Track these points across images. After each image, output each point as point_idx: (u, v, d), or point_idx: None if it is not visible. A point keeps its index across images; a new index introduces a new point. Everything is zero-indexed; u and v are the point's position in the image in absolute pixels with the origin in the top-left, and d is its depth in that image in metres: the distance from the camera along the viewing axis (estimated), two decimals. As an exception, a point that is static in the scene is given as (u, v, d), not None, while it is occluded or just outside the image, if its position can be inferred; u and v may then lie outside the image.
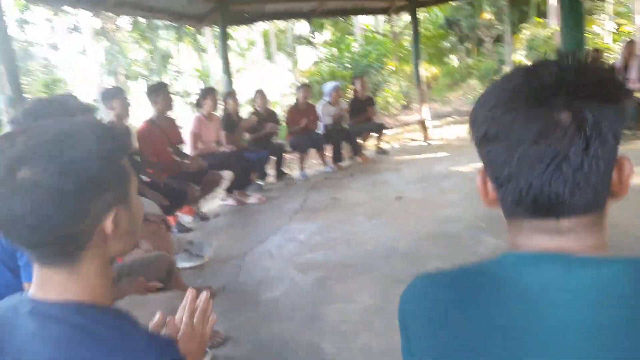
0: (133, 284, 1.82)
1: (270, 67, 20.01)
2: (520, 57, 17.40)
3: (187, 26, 6.99)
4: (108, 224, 0.75)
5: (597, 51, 6.66)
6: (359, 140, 6.58)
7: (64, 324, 0.72)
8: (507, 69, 16.75)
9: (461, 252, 3.12)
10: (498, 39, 19.99)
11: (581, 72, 0.56)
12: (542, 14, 17.63)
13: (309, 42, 18.53)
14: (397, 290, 0.72)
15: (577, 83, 0.55)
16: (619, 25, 16.34)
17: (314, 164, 6.71)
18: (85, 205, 0.71)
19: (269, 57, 25.09)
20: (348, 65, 10.34)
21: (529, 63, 0.62)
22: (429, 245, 3.32)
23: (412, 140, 8.04)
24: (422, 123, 7.57)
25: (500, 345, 0.55)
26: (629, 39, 7.05)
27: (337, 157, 6.30)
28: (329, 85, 6.56)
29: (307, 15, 7.05)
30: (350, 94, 8.24)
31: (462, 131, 8.37)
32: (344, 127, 6.47)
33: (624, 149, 0.57)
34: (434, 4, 9.60)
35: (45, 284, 0.76)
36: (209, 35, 15.05)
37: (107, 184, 0.74)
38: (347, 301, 2.65)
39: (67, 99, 1.73)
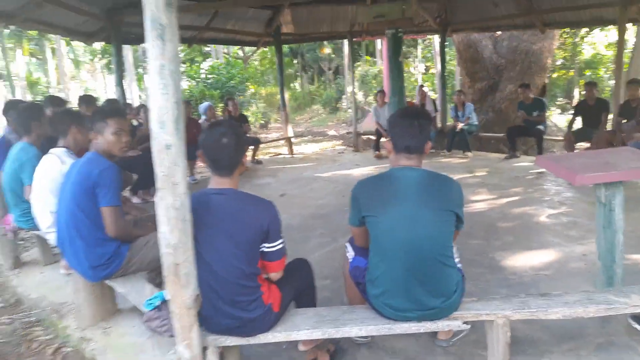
0: (147, 228, 2.77)
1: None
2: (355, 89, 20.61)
3: (78, 40, 7.27)
4: (244, 159, 1.93)
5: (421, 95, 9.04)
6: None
7: (232, 195, 1.88)
8: (344, 97, 19.62)
9: (333, 224, 4.58)
10: (337, 71, 23.12)
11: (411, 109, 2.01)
12: (371, 53, 21.07)
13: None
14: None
15: (418, 112, 1.98)
16: (427, 67, 20.53)
17: (201, 171, 7.61)
18: (242, 153, 1.89)
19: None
20: (216, 86, 11.40)
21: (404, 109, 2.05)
22: (312, 221, 4.74)
23: (278, 154, 9.46)
24: (288, 139, 9.05)
25: (388, 197, 1.94)
26: (420, 84, 9.66)
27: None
28: (203, 106, 7.62)
29: (189, 41, 8.00)
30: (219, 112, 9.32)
31: (316, 147, 10.12)
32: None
33: (429, 161, 2.03)
34: (295, 43, 11.33)
35: (219, 184, 1.90)
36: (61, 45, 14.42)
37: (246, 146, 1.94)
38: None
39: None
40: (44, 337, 2.95)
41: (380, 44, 18.58)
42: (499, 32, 10.05)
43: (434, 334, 2.48)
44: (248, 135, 8.12)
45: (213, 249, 1.85)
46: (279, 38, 8.74)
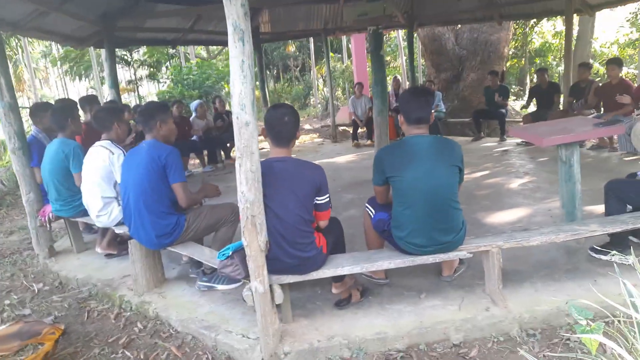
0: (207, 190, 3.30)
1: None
2: (322, 85, 21.26)
3: (70, 46, 7.47)
4: (298, 134, 2.47)
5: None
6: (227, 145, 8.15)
7: (290, 161, 2.43)
8: (313, 93, 20.20)
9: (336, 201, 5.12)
10: (303, 68, 23.66)
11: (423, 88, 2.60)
12: (335, 50, 21.68)
13: (126, 62, 18.66)
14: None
15: (425, 90, 2.57)
16: (388, 61, 21.32)
17: (195, 165, 8.00)
18: (297, 127, 2.43)
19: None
20: (194, 87, 11.72)
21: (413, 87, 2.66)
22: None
23: (262, 149, 9.89)
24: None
25: (408, 158, 2.53)
26: (395, 75, 10.39)
27: (213, 159, 7.76)
28: (194, 103, 8.00)
29: (173, 43, 8.34)
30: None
31: (296, 141, 10.63)
32: (213, 135, 7.95)
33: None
34: (273, 41, 11.81)
35: (278, 153, 2.44)
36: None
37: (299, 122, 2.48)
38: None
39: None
40: (101, 307, 3.37)
41: (346, 41, 19.23)
42: (460, 25, 10.89)
43: (440, 273, 3.09)
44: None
45: (280, 202, 2.37)
46: (258, 37, 9.19)
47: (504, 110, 7.99)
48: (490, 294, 2.72)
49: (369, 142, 8.98)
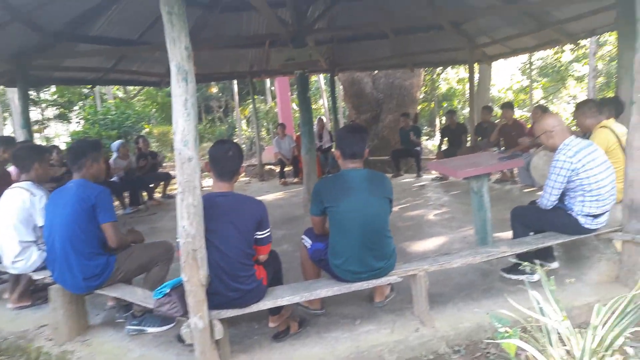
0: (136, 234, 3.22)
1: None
2: (245, 126, 21.43)
3: None
4: (241, 169, 2.57)
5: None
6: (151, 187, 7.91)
7: (232, 196, 2.51)
8: (237, 133, 20.25)
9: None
10: (226, 109, 23.70)
11: (358, 126, 2.83)
12: (259, 92, 22.04)
13: (33, 101, 17.56)
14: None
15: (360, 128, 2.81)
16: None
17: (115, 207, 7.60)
18: (241, 163, 2.53)
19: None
20: (112, 127, 11.29)
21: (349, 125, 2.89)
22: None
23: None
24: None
25: (344, 190, 2.72)
26: (319, 117, 10.86)
27: (135, 201, 7.46)
28: (116, 143, 7.75)
29: (93, 83, 8.06)
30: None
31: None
32: (136, 176, 7.70)
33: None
34: (198, 82, 11.76)
35: (221, 188, 2.51)
36: None
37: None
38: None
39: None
40: (15, 361, 3.09)
41: (270, 83, 19.71)
42: (377, 71, 11.73)
43: (372, 299, 3.26)
44: (159, 170, 8.35)
45: (222, 236, 2.42)
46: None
47: (419, 149, 8.64)
48: (419, 316, 2.92)
49: (295, 180, 9.19)
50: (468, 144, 8.14)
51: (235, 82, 18.79)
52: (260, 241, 2.59)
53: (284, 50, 5.44)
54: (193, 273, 2.32)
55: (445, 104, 19.53)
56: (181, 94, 2.18)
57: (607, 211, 3.16)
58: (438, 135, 9.22)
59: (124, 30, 6.47)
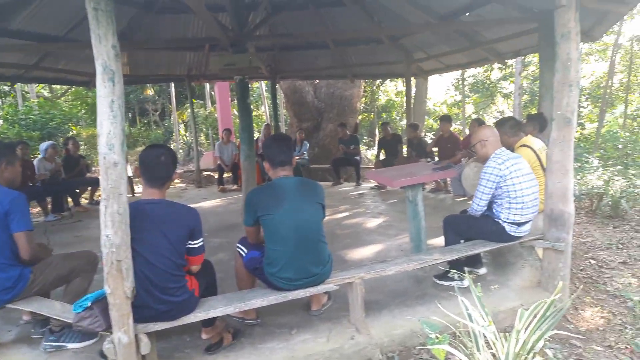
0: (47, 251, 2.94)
1: None
2: (183, 130, 20.80)
3: None
4: (174, 175, 2.46)
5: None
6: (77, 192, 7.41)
7: (163, 203, 2.39)
8: (174, 138, 19.60)
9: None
10: (163, 113, 22.87)
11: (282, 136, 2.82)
12: (198, 97, 21.49)
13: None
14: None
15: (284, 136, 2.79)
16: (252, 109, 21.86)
17: (36, 214, 7.04)
18: (174, 169, 2.42)
19: None
20: (34, 127, 10.48)
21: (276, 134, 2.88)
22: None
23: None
24: (129, 179, 8.93)
25: (277, 198, 2.68)
26: (266, 123, 10.82)
27: (58, 207, 6.95)
28: (44, 145, 7.22)
29: (13, 79, 7.44)
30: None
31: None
32: (61, 179, 7.19)
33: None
34: (131, 84, 11.27)
35: (152, 195, 2.38)
36: None
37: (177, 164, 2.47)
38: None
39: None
40: None
41: (210, 88, 19.29)
42: (318, 80, 11.84)
43: (309, 308, 3.23)
44: (88, 175, 7.86)
45: (151, 245, 2.28)
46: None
47: (358, 158, 8.80)
48: (355, 323, 2.93)
49: (235, 186, 9.02)
50: (405, 154, 8.39)
51: (173, 85, 18.22)
52: (193, 251, 2.48)
53: (224, 55, 5.32)
54: (117, 285, 2.18)
55: (384, 115, 20.10)
56: (107, 94, 2.05)
57: (530, 220, 3.36)
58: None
59: (48, 26, 6.05)
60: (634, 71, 15.44)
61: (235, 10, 5.30)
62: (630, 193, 6.21)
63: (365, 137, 19.38)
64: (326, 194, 5.28)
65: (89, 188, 7.98)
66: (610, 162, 9.38)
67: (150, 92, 22.34)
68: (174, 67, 9.27)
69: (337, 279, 2.86)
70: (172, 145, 19.59)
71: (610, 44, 14.84)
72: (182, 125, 21.47)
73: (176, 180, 10.99)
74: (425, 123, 17.49)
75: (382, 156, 8.60)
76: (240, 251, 3.00)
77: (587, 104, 14.88)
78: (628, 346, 2.87)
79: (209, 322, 2.81)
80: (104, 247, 2.14)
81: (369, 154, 15.22)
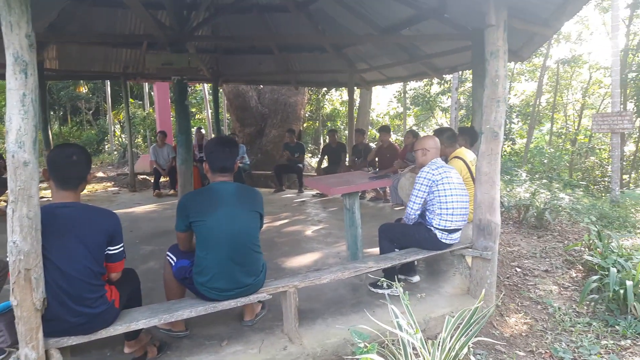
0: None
1: None
2: (119, 131, 19.88)
3: None
4: (89, 176, 2.29)
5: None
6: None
7: (78, 207, 2.22)
8: (109, 139, 18.67)
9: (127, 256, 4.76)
10: (97, 112, 21.71)
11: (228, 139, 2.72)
12: (136, 96, 20.63)
13: None
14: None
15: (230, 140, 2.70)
16: (194, 112, 21.32)
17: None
18: (88, 169, 2.26)
19: None
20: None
21: (220, 137, 2.78)
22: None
23: (41, 197, 8.55)
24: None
25: (212, 204, 2.58)
26: (199, 127, 10.50)
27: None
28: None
29: None
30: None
31: (84, 190, 9.54)
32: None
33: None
34: (61, 79, 10.59)
35: (64, 198, 2.21)
36: None
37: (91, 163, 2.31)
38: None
39: None
40: None
41: (149, 88, 18.57)
42: (262, 86, 11.74)
43: (241, 318, 3.13)
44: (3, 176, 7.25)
45: (64, 253, 2.10)
46: (42, 73, 8.16)
47: (301, 165, 8.78)
48: (288, 333, 2.88)
49: (171, 191, 8.69)
50: (347, 163, 8.48)
51: (108, 83, 17.38)
52: (112, 257, 2.31)
53: (162, 53, 5.12)
54: (25, 296, 1.98)
55: (329, 124, 20.29)
56: (18, 87, 1.87)
57: (460, 228, 3.48)
58: (321, 153, 9.60)
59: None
60: (559, 92, 16.69)
61: (175, 9, 5.12)
62: (553, 205, 6.64)
63: (310, 145, 19.45)
64: (268, 200, 5.22)
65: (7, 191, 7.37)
66: (537, 176, 10.03)
67: (83, 89, 21.12)
68: (109, 64, 8.83)
69: (270, 288, 2.80)
70: (105, 147, 18.68)
71: (539, 65, 15.93)
72: (118, 126, 20.52)
73: (106, 184, 10.42)
74: (369, 133, 17.84)
75: (325, 163, 8.64)
76: (170, 259, 2.85)
77: (518, 121, 15.83)
78: (547, 351, 3.03)
79: (133, 335, 2.64)
80: (10, 254, 1.95)
81: (312, 161, 15.28)
